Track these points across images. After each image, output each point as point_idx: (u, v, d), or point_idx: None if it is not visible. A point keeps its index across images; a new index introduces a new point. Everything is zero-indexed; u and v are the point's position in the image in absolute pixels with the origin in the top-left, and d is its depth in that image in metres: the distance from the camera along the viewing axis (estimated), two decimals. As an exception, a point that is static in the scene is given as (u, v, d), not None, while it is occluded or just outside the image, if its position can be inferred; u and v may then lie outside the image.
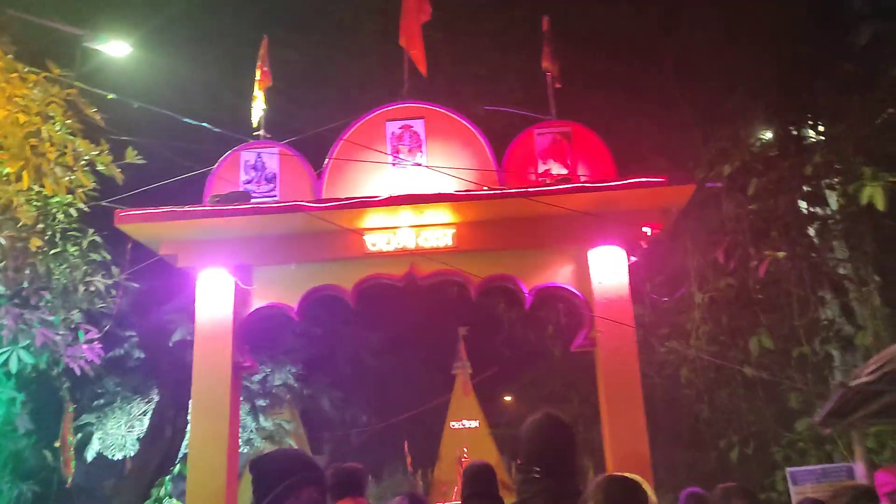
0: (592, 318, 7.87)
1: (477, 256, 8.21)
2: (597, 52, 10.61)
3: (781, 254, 8.13)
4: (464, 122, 8.58)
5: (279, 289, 8.23)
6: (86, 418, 16.21)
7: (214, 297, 8.06)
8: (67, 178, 7.87)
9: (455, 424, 29.43)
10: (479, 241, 8.20)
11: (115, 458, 16.51)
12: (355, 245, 8.16)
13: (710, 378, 11.31)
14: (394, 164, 8.45)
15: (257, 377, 17.90)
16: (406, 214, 8.10)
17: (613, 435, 7.54)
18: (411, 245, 8.15)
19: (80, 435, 16.11)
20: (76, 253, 9.19)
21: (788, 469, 7.73)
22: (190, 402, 7.88)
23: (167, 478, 13.26)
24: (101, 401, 16.42)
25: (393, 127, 8.58)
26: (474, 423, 28.54)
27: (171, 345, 16.11)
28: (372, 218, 8.10)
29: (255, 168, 8.51)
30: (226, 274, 8.12)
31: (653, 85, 10.51)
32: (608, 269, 8.00)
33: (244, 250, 8.22)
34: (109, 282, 8.71)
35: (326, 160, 8.51)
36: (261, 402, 17.94)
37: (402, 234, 8.18)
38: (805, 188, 8.77)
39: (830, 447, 9.64)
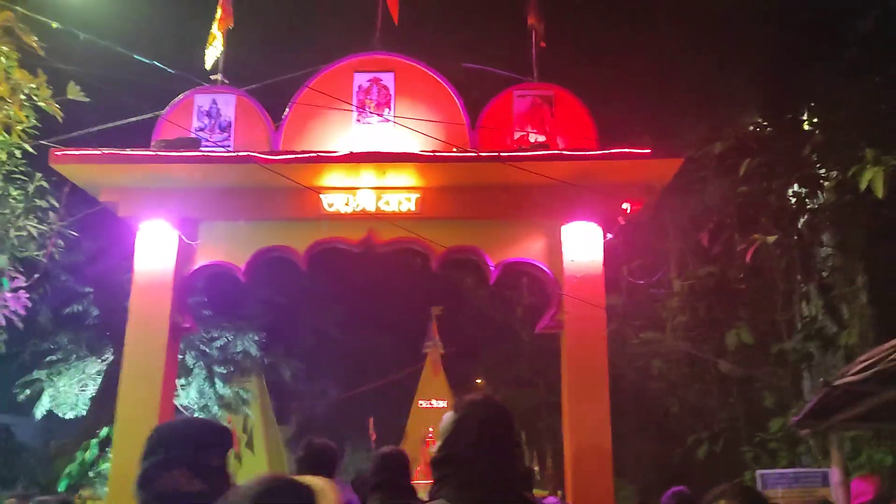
0: (561, 297, 7.31)
1: (441, 225, 7.61)
2: (588, 16, 9.96)
3: (771, 237, 7.57)
4: (437, 78, 7.94)
5: (227, 247, 7.60)
6: (37, 374, 15.55)
7: (155, 251, 7.42)
8: (2, 112, 7.17)
9: (423, 403, 28.92)
10: (445, 209, 7.60)
11: (67, 417, 15.90)
12: (311, 204, 7.53)
13: (683, 372, 10.83)
14: (359, 120, 7.81)
15: (218, 343, 17.31)
16: (367, 175, 7.48)
17: (574, 425, 7.01)
18: (371, 208, 7.54)
19: (28, 391, 15.47)
20: (20, 197, 8.49)
21: (759, 472, 7.24)
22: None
23: (94, 441, 12.62)
24: (55, 357, 15.76)
25: (361, 79, 7.93)
26: (442, 404, 28.09)
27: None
28: (330, 176, 7.47)
29: (208, 115, 7.84)
30: (169, 227, 7.47)
31: (646, 56, 9.90)
32: (582, 246, 7.43)
33: (191, 202, 7.57)
34: (44, 227, 8.02)
35: (286, 110, 7.85)
36: (220, 370, 17.35)
37: (362, 195, 7.57)
38: (799, 175, 8.20)
39: (803, 449, 9.20)
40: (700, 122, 8.92)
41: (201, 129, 7.73)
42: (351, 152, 7.23)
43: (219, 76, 8.04)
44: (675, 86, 9.81)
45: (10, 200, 8.38)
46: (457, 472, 2.46)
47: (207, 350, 16.63)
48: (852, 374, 4.89)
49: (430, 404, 28.85)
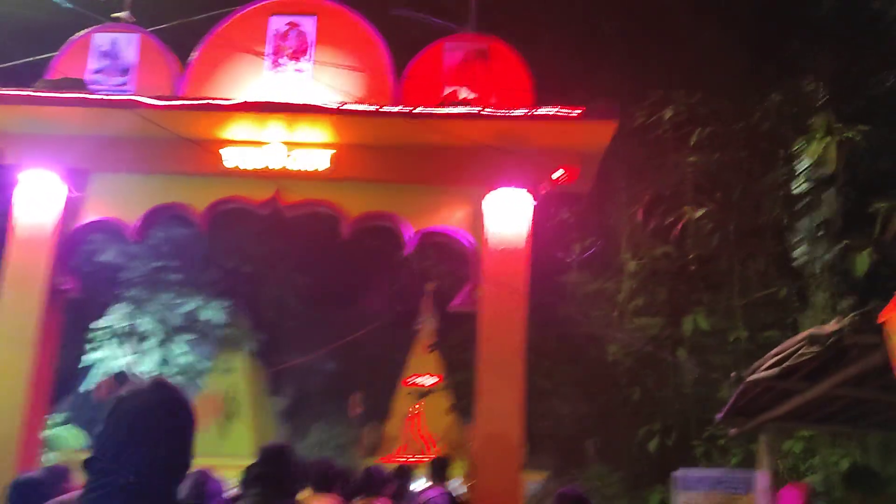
0: (478, 273, 6.59)
1: (356, 187, 6.89)
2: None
3: (700, 210, 6.79)
4: (364, 24, 7.18)
5: (118, 202, 6.91)
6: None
7: (37, 203, 6.74)
8: None
9: (412, 380, 28.40)
10: (360, 169, 6.87)
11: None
12: (211, 159, 6.82)
13: (641, 358, 10.10)
14: (273, 68, 7.07)
15: (184, 308, 16.72)
16: (275, 128, 6.76)
17: (483, 411, 6.33)
18: (277, 165, 6.82)
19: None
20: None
21: (676, 472, 6.54)
22: None
23: None
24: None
25: (278, 23, 7.17)
26: (433, 380, 27.59)
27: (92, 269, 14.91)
28: (232, 128, 6.76)
29: (107, 55, 7.13)
30: (55, 177, 6.78)
31: (602, 13, 9.04)
32: (507, 216, 6.69)
33: (79, 151, 6.87)
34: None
35: (193, 54, 7.12)
36: (186, 336, 16.78)
37: (268, 151, 6.84)
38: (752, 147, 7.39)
39: (756, 446, 8.47)
40: (651, 90, 8.10)
41: (98, 71, 7.02)
42: (247, 101, 6.51)
43: (124, 14, 7.31)
44: (627, 47, 8.96)
45: None
46: (98, 481, 1.78)
47: (170, 314, 16.06)
48: (763, 370, 4.17)
49: (417, 381, 28.37)
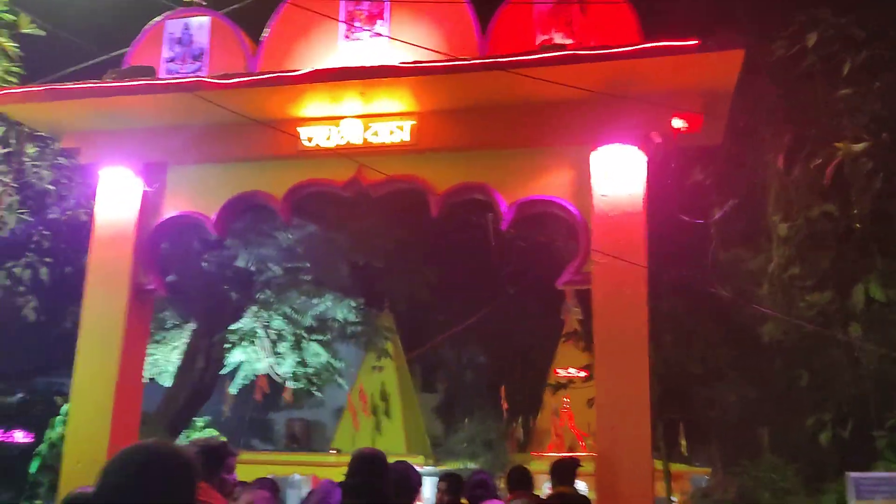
0: (588, 244, 5.60)
1: (441, 158, 6.10)
2: None
3: (859, 145, 5.40)
4: (442, -23, 6.36)
5: (196, 195, 6.51)
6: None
7: (117, 201, 6.47)
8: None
9: (560, 372, 27.51)
10: (445, 137, 6.07)
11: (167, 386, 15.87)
12: (288, 140, 6.27)
13: (806, 336, 8.62)
14: (347, 37, 6.42)
15: (316, 309, 16.62)
16: (351, 100, 6.10)
17: (604, 404, 5.34)
18: (357, 140, 6.16)
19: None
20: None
21: (851, 474, 5.22)
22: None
23: (58, 418, 12.06)
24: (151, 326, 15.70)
25: (349, -12, 6.52)
26: (581, 374, 26.55)
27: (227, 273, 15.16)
28: (306, 105, 6.17)
29: (180, 42, 6.76)
30: (131, 174, 6.48)
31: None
32: (617, 176, 5.66)
33: (156, 145, 6.54)
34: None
35: (265, 32, 6.61)
36: (319, 336, 16.70)
37: (346, 126, 6.20)
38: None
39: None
40: (790, 15, 6.68)
41: (171, 60, 6.67)
42: (317, 69, 5.86)
43: (195, -4, 6.94)
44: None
45: None
46: None
47: (298, 318, 16.02)
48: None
49: (567, 373, 27.51)
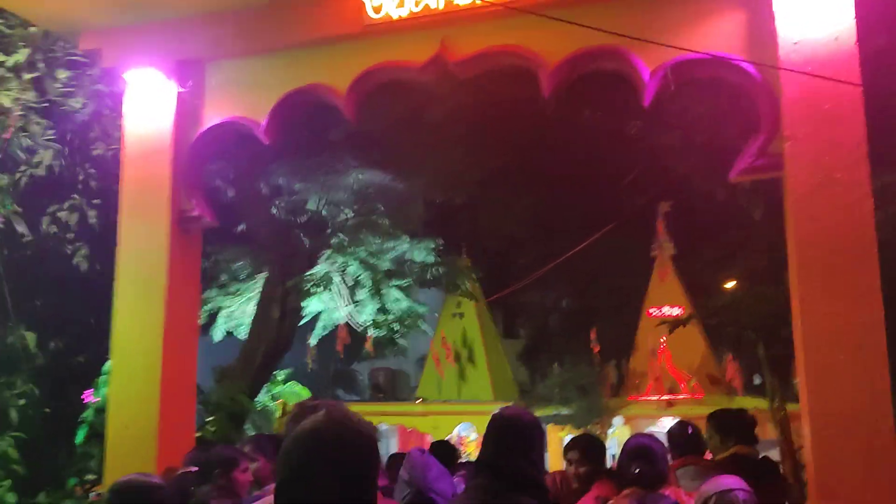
0: (776, 112, 3.98)
1: (551, 21, 4.51)
2: None
3: None
4: None
5: (240, 96, 5.15)
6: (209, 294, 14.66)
7: (148, 111, 5.18)
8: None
9: (653, 311, 25.79)
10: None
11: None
12: (350, 15, 4.81)
13: None
14: None
15: (393, 252, 15.41)
16: (431, -50, 4.58)
17: (812, 372, 3.77)
18: (438, 4, 4.65)
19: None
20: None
21: None
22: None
23: (101, 378, 10.93)
24: (225, 277, 14.80)
25: None
26: (676, 311, 24.82)
27: (300, 219, 14.04)
28: (372, -39, 4.67)
29: None
30: (162, 76, 5.16)
31: None
32: (812, 14, 3.99)
33: (189, 38, 5.18)
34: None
35: None
36: (399, 281, 15.49)
37: (425, -14, 4.69)
38: None
39: None
40: None
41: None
42: None
43: None
44: None
45: None
46: None
47: (378, 260, 14.79)
48: None
49: (661, 312, 25.85)
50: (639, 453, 3.45)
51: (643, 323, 25.80)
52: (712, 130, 5.71)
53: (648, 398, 24.44)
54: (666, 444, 3.83)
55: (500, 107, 7.77)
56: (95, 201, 8.16)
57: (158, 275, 4.94)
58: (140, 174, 5.08)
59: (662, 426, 22.91)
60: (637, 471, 3.28)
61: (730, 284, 17.82)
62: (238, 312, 14.89)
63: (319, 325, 15.63)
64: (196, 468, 3.85)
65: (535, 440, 2.49)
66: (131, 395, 4.84)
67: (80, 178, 8.24)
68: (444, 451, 4.29)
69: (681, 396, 24.19)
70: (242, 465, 3.67)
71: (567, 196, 16.62)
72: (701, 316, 20.72)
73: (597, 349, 27.68)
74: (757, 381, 22.31)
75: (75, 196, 8.16)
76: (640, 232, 24.50)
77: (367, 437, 1.61)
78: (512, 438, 2.45)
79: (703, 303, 18.63)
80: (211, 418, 7.99)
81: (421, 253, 15.13)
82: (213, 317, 14.55)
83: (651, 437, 3.54)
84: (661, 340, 25.30)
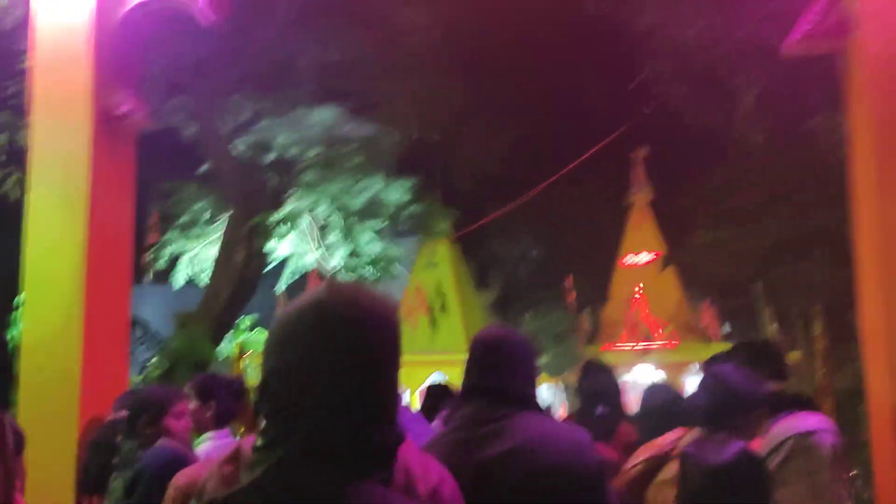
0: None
1: None
2: None
3: None
4: None
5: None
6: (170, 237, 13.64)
7: (61, -8, 4.21)
8: None
9: (629, 259, 25.51)
10: None
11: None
12: None
13: None
14: None
15: (366, 192, 14.49)
16: None
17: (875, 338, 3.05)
18: None
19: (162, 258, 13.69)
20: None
21: None
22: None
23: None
24: (186, 218, 13.80)
25: None
26: (651, 256, 24.57)
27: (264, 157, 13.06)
28: None
29: None
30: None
31: None
32: None
33: None
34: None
35: None
36: (371, 222, 14.65)
37: None
38: None
39: None
40: None
41: None
42: None
43: None
44: None
45: None
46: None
47: (349, 200, 13.90)
48: None
49: (637, 258, 25.60)
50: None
51: (618, 271, 25.56)
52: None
53: (623, 346, 24.22)
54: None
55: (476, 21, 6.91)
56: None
57: (78, 184, 4.04)
58: (54, 63, 4.13)
59: (638, 374, 22.67)
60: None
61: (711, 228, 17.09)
62: (201, 257, 13.96)
63: (287, 270, 14.76)
64: (126, 413, 3.11)
65: (529, 359, 2.22)
66: (47, 331, 3.99)
67: (10, 92, 7.24)
68: (439, 393, 4.19)
69: (656, 344, 23.98)
70: (176, 409, 2.89)
71: (547, 133, 15.84)
72: (678, 261, 20.16)
73: (572, 297, 27.29)
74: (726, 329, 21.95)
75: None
76: (619, 177, 23.86)
77: (387, 311, 1.26)
78: (504, 358, 2.14)
79: (683, 245, 17.91)
80: (154, 360, 7.15)
81: (396, 192, 14.30)
82: (174, 262, 13.61)
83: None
84: (637, 288, 24.95)
